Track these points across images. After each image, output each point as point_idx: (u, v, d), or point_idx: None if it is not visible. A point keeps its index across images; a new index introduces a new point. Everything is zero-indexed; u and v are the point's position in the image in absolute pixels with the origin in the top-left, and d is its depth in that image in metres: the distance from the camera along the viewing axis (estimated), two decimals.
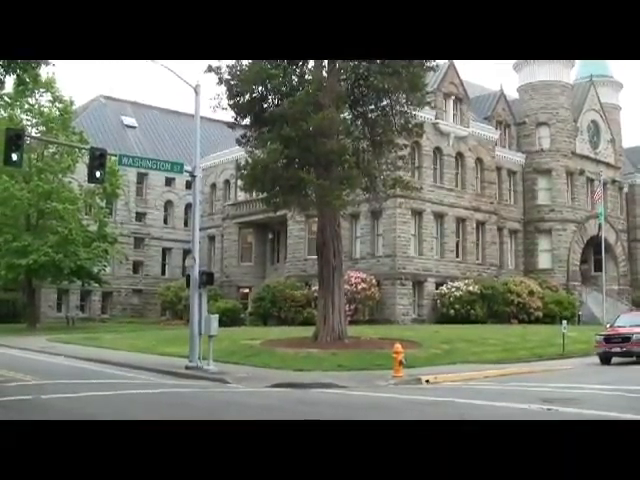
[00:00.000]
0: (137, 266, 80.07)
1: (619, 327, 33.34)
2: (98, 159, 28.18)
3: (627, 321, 34.75)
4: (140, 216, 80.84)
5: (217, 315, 30.34)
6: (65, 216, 58.25)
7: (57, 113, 60.80)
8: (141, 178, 79.36)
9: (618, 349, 31.39)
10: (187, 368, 28.02)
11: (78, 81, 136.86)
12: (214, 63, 32.94)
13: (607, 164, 75.40)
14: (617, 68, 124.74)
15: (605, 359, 31.78)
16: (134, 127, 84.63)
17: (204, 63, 34.83)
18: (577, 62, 75.91)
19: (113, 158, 38.97)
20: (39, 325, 62.99)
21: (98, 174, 28.21)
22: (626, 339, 31.33)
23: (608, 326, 35.54)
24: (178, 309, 65.92)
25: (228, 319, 55.70)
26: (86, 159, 34.74)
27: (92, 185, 52.83)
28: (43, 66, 24.58)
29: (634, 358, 31.48)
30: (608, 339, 31.88)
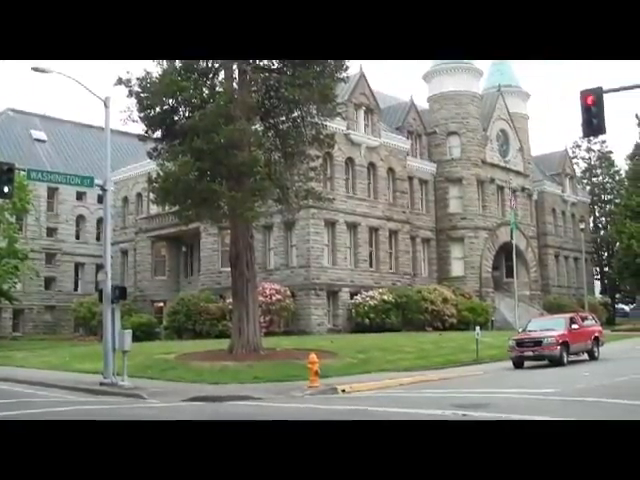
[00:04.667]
0: (49, 282, 78.70)
1: (531, 331, 34.07)
2: (6, 174, 27.62)
3: (538, 325, 35.56)
4: (51, 231, 79.53)
5: (131, 330, 29.99)
6: None
7: None
8: (52, 193, 78.10)
9: (530, 353, 32.04)
10: (101, 384, 27.61)
11: None
12: (124, 75, 32.70)
13: (516, 172, 76.94)
14: (524, 78, 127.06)
15: (518, 363, 32.41)
16: (43, 141, 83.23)
17: (114, 75, 34.50)
18: (485, 72, 77.25)
19: (22, 173, 38.38)
20: None
21: (6, 189, 27.65)
22: (538, 343, 32.02)
23: (520, 331, 36.20)
24: (92, 325, 64.95)
25: (143, 334, 55.15)
26: None
27: (0, 200, 51.82)
28: None
29: (546, 361, 32.19)
30: (520, 343, 32.49)
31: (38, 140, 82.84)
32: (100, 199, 59.63)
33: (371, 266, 61.59)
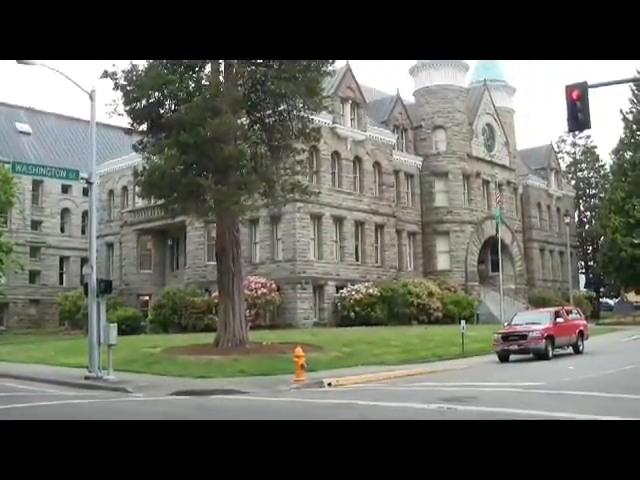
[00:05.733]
0: (34, 276, 78.37)
1: (516, 325, 34.19)
2: None
3: (524, 319, 35.72)
4: (36, 224, 79.15)
5: (116, 324, 29.99)
6: None
7: None
8: (36, 185, 77.70)
9: (515, 347, 32.18)
10: (87, 378, 27.57)
11: None
12: (110, 68, 32.58)
13: (502, 166, 77.17)
14: (510, 73, 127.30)
15: (503, 357, 32.54)
16: (28, 133, 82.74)
17: (100, 68, 34.47)
18: (471, 66, 77.30)
19: (7, 165, 38.16)
20: None
21: None
22: (523, 337, 32.15)
23: (506, 325, 36.32)
24: (77, 319, 64.73)
25: (128, 327, 54.97)
26: None
27: None
28: None
29: (531, 355, 32.34)
30: (506, 337, 32.63)
31: (23, 132, 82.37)
32: (85, 192, 59.44)
33: (357, 260, 61.62)
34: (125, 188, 73.60)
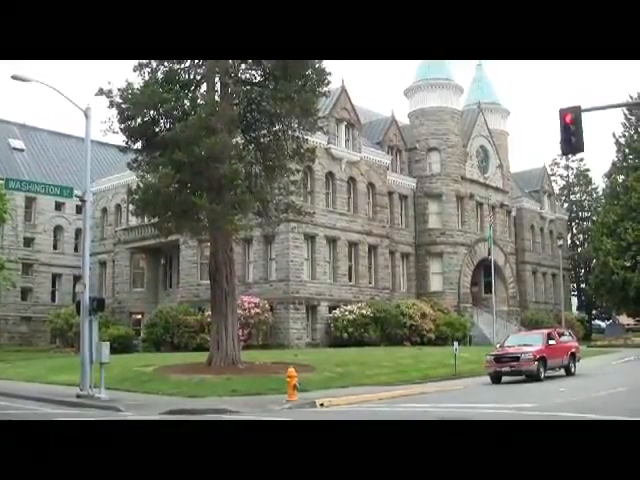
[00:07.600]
0: (25, 293, 78.04)
1: (508, 347, 34.22)
2: None
3: (516, 341, 35.75)
4: (28, 241, 78.84)
5: (108, 342, 29.89)
6: None
7: None
8: (29, 202, 77.45)
9: (508, 368, 32.20)
10: (78, 397, 27.46)
11: None
12: (105, 86, 32.62)
13: (496, 188, 77.33)
14: (504, 95, 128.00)
15: (496, 378, 32.56)
16: (22, 150, 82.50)
17: (95, 85, 34.50)
18: (466, 89, 77.63)
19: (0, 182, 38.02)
20: None
21: None
22: (515, 358, 32.20)
23: (498, 346, 36.34)
24: (69, 336, 64.52)
25: (120, 346, 54.83)
26: None
27: None
28: None
29: (523, 377, 32.37)
30: (498, 359, 32.65)
31: (16, 149, 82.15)
32: (79, 209, 59.34)
33: (350, 280, 61.61)
34: (119, 206, 73.55)
